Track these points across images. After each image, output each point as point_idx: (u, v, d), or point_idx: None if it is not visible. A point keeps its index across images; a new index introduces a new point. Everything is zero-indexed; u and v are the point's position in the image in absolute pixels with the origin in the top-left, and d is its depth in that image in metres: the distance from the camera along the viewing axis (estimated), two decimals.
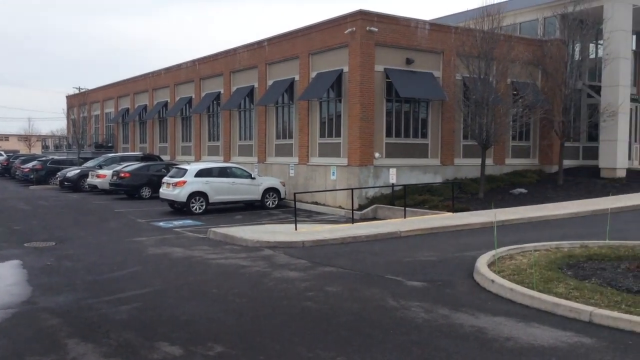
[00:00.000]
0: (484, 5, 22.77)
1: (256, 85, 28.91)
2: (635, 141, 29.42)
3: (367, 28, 21.93)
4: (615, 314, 7.26)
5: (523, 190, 22.99)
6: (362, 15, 22.04)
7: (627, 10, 25.82)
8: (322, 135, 24.68)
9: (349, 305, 8.53)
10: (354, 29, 22.02)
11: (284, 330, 7.43)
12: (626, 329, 7.03)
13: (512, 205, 20.26)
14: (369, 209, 21.17)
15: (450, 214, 18.67)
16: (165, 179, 22.58)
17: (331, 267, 11.47)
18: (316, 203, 23.50)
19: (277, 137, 27.70)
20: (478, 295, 8.97)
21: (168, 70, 38.79)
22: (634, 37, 29.78)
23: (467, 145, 24.88)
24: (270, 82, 27.84)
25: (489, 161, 24.84)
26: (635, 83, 30.44)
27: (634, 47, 29.82)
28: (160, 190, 22.66)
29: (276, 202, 23.49)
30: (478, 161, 22.99)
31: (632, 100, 27.63)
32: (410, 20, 23.32)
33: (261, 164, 28.14)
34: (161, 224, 19.03)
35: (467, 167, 24.70)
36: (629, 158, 27.88)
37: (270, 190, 23.42)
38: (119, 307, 8.70)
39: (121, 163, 31.54)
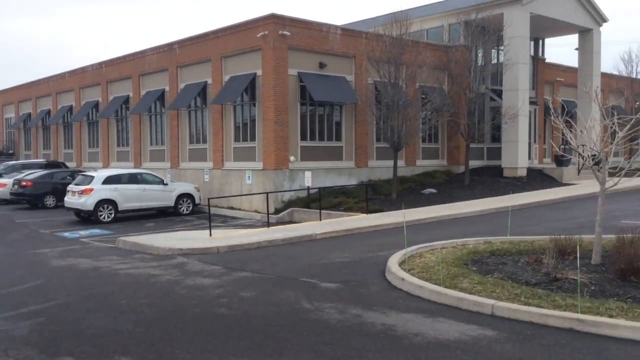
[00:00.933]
0: (393, 12, 23.45)
1: (167, 88, 28.23)
2: (535, 142, 31.28)
3: (280, 32, 21.99)
4: (515, 306, 7.67)
5: (433, 190, 23.84)
6: (275, 19, 22.07)
7: (525, 17, 27.42)
8: (236, 140, 24.46)
9: (263, 310, 8.50)
10: (267, 32, 22.00)
11: (195, 338, 7.29)
12: (525, 320, 7.44)
13: (424, 205, 20.95)
14: (285, 212, 21.20)
15: (364, 215, 19.04)
16: (71, 187, 21.57)
17: (246, 272, 11.38)
18: (232, 208, 23.25)
19: (191, 142, 27.17)
20: (389, 294, 9.20)
21: (73, 73, 37.07)
22: (532, 43, 31.71)
23: (380, 147, 25.48)
24: (182, 86, 27.28)
25: (401, 163, 25.57)
26: (534, 87, 32.38)
27: (532, 53, 31.74)
28: (65, 198, 21.64)
29: (190, 208, 23.02)
30: (391, 163, 23.60)
31: (531, 103, 29.36)
32: (322, 25, 23.60)
33: (174, 169, 27.48)
34: (66, 234, 18.15)
35: (381, 169, 25.29)
36: (529, 157, 29.60)
37: (184, 196, 22.93)
38: (19, 322, 8.20)
39: (23, 171, 29.78)
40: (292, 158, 22.59)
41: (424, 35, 30.15)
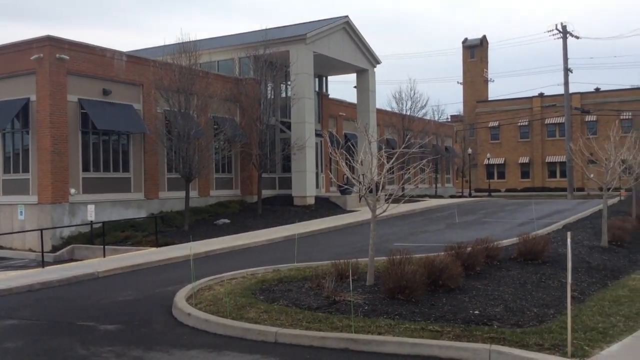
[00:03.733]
0: (181, 41, 23.27)
1: None
2: (322, 171, 33.24)
3: (57, 55, 20.43)
4: (297, 331, 7.91)
5: (226, 221, 23.87)
6: (51, 42, 20.46)
7: (309, 56, 29.22)
8: (6, 171, 21.94)
9: None
10: (42, 55, 20.28)
11: None
12: (306, 344, 7.70)
13: (217, 235, 20.83)
14: (64, 250, 19.47)
15: (154, 249, 18.29)
16: None
17: (13, 319, 10.11)
18: (1, 247, 20.65)
19: None
20: (175, 331, 8.87)
21: None
22: (317, 79, 33.89)
23: (171, 178, 24.85)
24: None
25: (194, 193, 25.21)
26: (320, 120, 34.53)
27: (317, 89, 33.89)
28: None
29: None
30: (183, 194, 23.14)
31: (317, 135, 31.21)
32: (105, 50, 22.48)
33: None
34: None
35: (173, 200, 24.64)
36: (317, 186, 31.34)
37: None
38: None
39: None
40: (72, 190, 20.92)
41: (214, 67, 30.43)
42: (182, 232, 21.50)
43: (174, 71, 22.54)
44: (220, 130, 25.36)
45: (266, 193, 29.01)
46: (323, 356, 7.27)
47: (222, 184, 28.35)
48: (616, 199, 32.01)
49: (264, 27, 30.01)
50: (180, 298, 10.26)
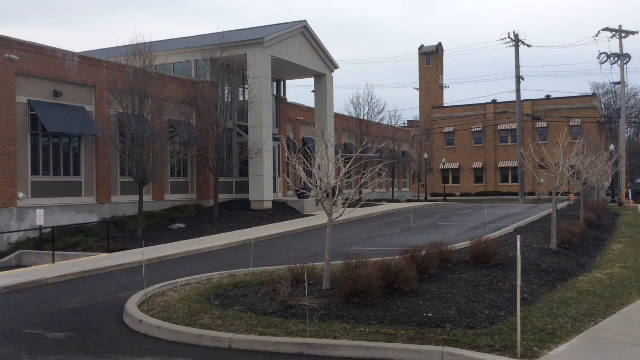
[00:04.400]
0: (135, 43, 22.86)
1: None
2: (279, 176, 33.14)
3: (6, 55, 19.77)
4: (251, 337, 7.83)
5: (182, 225, 23.51)
6: (0, 42, 19.78)
7: (267, 60, 29.14)
8: None
9: None
10: None
11: None
12: (260, 349, 7.64)
13: (171, 240, 20.47)
14: (12, 256, 18.79)
15: (106, 254, 17.84)
16: None
17: None
18: None
19: None
20: (126, 338, 8.66)
21: None
22: (275, 83, 33.81)
23: (125, 182, 24.34)
24: None
25: (148, 198, 24.75)
26: (278, 124, 34.45)
27: (274, 93, 33.80)
28: None
29: None
30: (137, 198, 22.67)
31: (275, 139, 31.12)
32: (57, 50, 21.89)
33: None
34: None
35: (126, 204, 24.13)
36: (274, 191, 31.22)
37: None
38: None
39: None
40: (21, 195, 20.25)
41: (170, 69, 30.01)
42: (135, 237, 21.05)
43: (128, 73, 22.11)
44: (176, 133, 25.01)
45: (223, 197, 28.72)
46: None
47: (178, 188, 27.93)
48: (565, 204, 33.04)
49: (221, 30, 29.82)
50: (132, 305, 10.04)
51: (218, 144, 26.78)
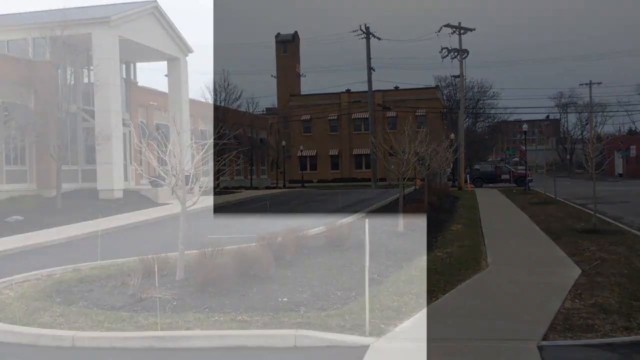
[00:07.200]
0: None
1: None
2: (131, 163, 31.57)
3: None
4: (96, 334, 7.38)
5: (19, 218, 21.49)
6: None
7: (114, 40, 27.43)
8: None
9: None
10: None
11: None
12: (107, 346, 7.22)
13: (7, 234, 18.65)
14: None
15: None
16: None
17: None
18: None
19: None
20: None
21: None
22: (124, 66, 32.04)
23: None
24: None
25: None
26: (128, 109, 32.72)
27: (124, 76, 32.04)
28: None
29: None
30: None
31: (125, 125, 29.54)
32: None
33: None
34: None
35: None
36: (126, 179, 29.68)
37: None
38: None
39: None
40: None
41: (4, 47, 27.21)
42: None
43: None
44: (11, 117, 22.78)
45: (68, 187, 26.71)
46: (126, 357, 6.88)
47: (14, 177, 25.48)
48: (412, 188, 35.27)
49: (62, 7, 27.52)
50: None
51: (60, 129, 24.80)
